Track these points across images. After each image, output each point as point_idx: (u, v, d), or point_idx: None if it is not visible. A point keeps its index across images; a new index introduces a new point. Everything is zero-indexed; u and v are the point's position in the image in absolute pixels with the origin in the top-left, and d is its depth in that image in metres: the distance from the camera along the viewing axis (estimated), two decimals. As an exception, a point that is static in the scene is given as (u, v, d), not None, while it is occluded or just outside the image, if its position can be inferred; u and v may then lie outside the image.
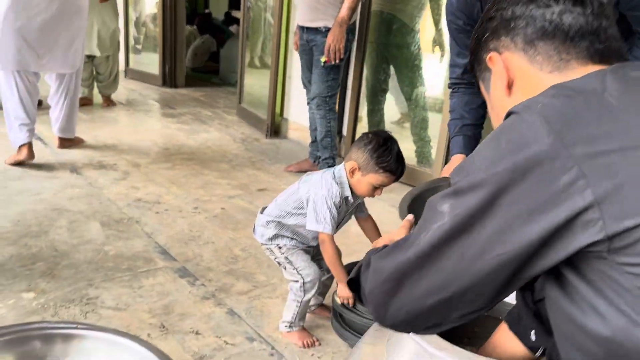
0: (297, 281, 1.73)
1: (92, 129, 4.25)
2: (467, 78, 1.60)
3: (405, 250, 0.74)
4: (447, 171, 1.52)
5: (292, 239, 1.73)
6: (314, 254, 1.81)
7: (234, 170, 3.56)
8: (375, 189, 1.66)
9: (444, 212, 0.69)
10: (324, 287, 1.90)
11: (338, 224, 1.69)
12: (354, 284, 0.89)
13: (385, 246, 0.85)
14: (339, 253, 1.69)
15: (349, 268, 1.86)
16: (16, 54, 3.09)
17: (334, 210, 1.63)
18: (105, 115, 4.77)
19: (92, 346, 0.84)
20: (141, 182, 3.16)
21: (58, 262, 2.18)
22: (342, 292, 1.68)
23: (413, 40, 3.62)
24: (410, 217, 1.09)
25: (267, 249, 1.76)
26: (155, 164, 3.53)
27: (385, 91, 3.87)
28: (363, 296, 0.84)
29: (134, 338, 0.85)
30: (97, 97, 5.07)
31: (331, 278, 1.93)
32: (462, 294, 0.70)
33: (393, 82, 3.85)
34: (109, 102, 5.06)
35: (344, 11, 3.05)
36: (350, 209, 1.75)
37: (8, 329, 0.84)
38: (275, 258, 1.75)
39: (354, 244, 2.52)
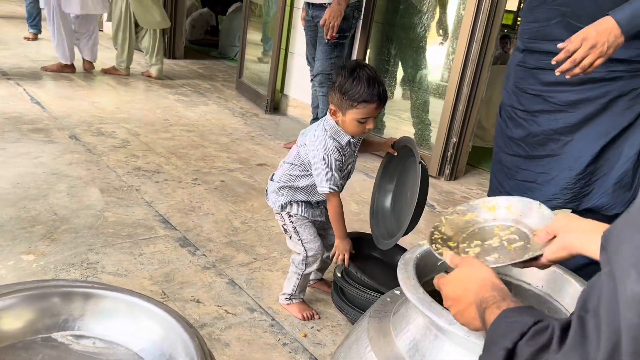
0: (299, 253, 1.74)
1: (91, 96, 4.20)
2: None
3: None
4: None
5: (305, 205, 1.72)
6: (319, 227, 1.82)
7: (234, 144, 3.54)
8: (364, 124, 1.57)
9: None
10: (324, 263, 1.92)
11: (349, 173, 1.70)
12: None
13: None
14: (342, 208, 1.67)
15: (351, 237, 1.87)
16: None
17: (334, 167, 1.59)
18: (104, 83, 4.72)
19: (111, 306, 0.85)
20: (141, 151, 3.15)
21: (58, 226, 2.18)
22: (340, 247, 1.68)
23: (419, 22, 3.60)
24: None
25: (278, 213, 1.76)
26: (155, 134, 3.51)
27: (387, 72, 3.86)
28: None
29: (154, 301, 0.85)
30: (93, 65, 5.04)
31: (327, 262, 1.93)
32: None
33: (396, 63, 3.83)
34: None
35: None
36: (356, 148, 1.71)
37: (28, 284, 0.84)
38: (284, 224, 1.75)
39: (350, 222, 2.55)
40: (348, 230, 2.03)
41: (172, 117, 3.98)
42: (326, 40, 3.19)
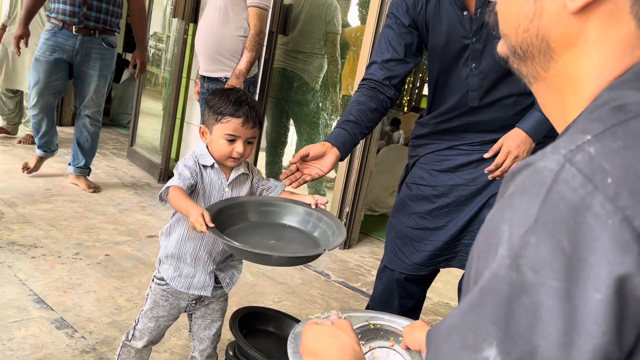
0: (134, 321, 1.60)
1: (-40, 163, 3.85)
2: (379, 75, 1.63)
3: None
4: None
5: (176, 270, 1.54)
6: (200, 312, 1.66)
7: (122, 215, 3.38)
8: (232, 144, 1.48)
9: None
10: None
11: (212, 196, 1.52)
12: None
13: None
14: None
15: (245, 312, 1.81)
16: None
17: (186, 171, 1.45)
18: (-23, 149, 4.36)
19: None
20: (17, 224, 2.89)
21: None
22: (191, 219, 1.30)
23: (313, 99, 3.77)
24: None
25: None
26: (34, 205, 3.26)
27: (284, 144, 3.97)
28: None
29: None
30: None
31: (213, 356, 1.76)
32: None
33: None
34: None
35: (242, 64, 3.10)
36: (227, 182, 1.53)
37: None
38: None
39: (246, 295, 2.49)
40: (244, 305, 1.97)
41: (55, 186, 3.73)
42: (222, 113, 3.22)
